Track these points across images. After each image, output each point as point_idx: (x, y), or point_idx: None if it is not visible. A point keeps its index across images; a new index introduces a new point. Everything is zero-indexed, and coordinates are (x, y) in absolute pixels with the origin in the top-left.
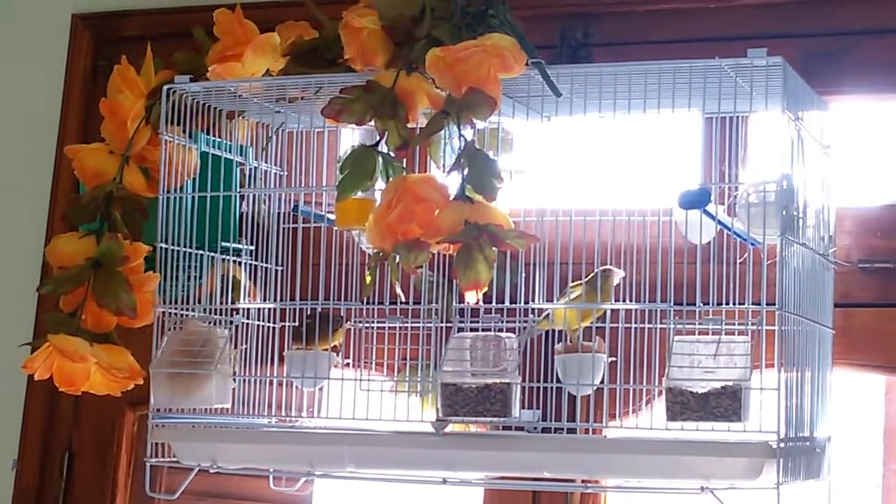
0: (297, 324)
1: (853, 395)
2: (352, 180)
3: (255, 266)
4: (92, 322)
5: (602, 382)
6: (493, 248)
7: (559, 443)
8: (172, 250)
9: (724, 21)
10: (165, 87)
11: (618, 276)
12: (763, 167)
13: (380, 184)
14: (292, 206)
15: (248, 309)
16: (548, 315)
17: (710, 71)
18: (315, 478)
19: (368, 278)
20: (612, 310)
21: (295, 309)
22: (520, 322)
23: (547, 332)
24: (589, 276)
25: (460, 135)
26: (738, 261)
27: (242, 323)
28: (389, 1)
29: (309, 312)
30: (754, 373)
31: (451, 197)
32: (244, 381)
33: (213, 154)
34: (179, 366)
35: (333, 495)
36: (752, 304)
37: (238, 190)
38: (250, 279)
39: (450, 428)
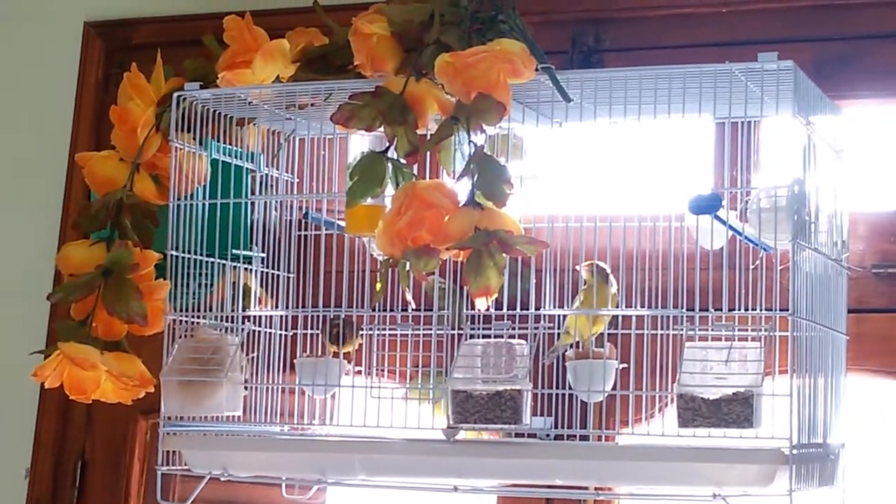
0: (307, 331)
1: (867, 401)
2: (361, 187)
3: (266, 273)
4: (102, 330)
5: (613, 389)
6: (504, 255)
7: (571, 450)
8: (183, 258)
9: (737, 26)
10: (175, 95)
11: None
12: (775, 172)
13: (390, 190)
14: (303, 213)
15: (259, 316)
16: (567, 330)
17: (720, 75)
18: (327, 486)
19: (379, 285)
20: (624, 316)
21: (306, 316)
22: (531, 329)
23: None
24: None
25: (470, 140)
26: (751, 266)
27: (253, 330)
28: (399, 7)
29: (332, 317)
30: (766, 379)
31: (461, 203)
32: (255, 388)
33: (223, 161)
34: (190, 374)
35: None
36: (765, 309)
37: (249, 197)
38: (261, 286)
39: (462, 435)
